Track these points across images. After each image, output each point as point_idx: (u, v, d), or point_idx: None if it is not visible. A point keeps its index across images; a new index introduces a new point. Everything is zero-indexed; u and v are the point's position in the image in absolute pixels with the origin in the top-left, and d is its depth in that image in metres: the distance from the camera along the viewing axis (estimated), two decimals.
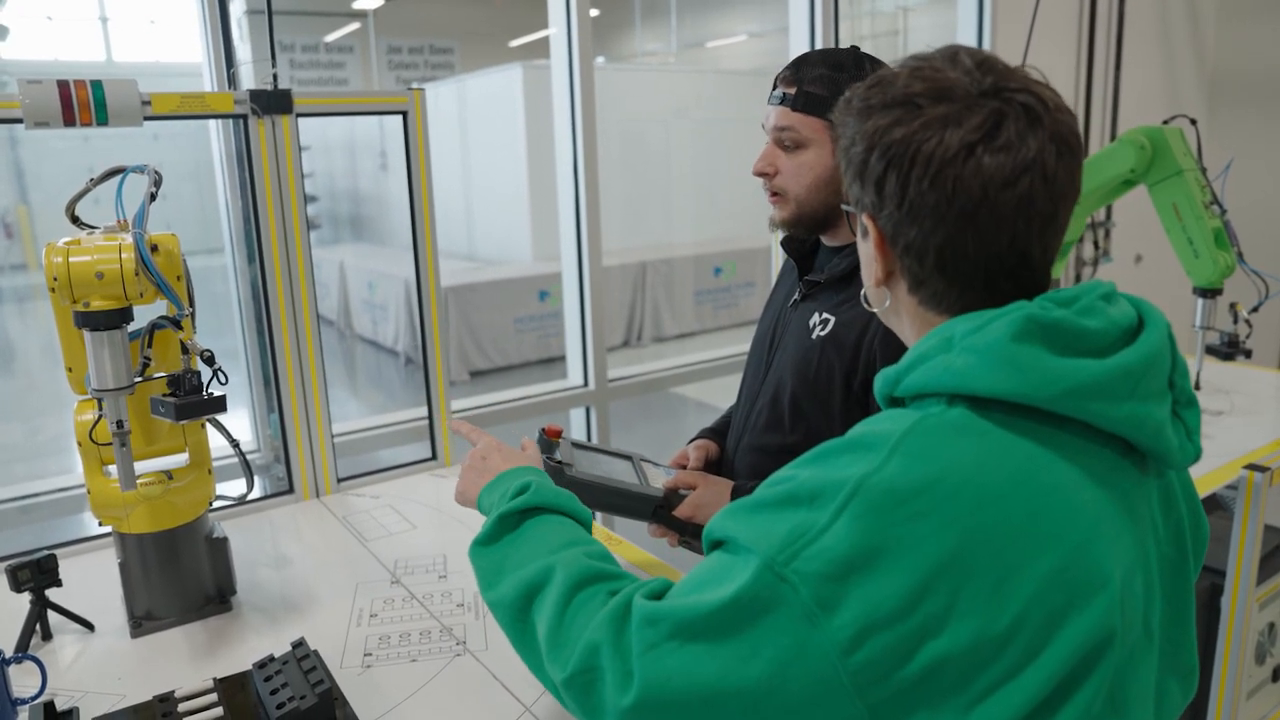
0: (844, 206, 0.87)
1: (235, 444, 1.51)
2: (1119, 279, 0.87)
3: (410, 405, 2.31)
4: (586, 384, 2.78)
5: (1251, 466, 2.11)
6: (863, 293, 0.89)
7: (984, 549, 0.68)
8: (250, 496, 1.63)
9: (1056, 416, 0.73)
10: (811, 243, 1.54)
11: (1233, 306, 2.49)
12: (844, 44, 3.16)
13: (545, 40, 2.74)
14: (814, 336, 1.42)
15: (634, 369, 2.98)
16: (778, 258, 3.06)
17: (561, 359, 2.97)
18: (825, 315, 1.42)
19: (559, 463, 1.38)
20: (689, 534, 1.44)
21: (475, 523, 1.87)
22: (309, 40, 12.40)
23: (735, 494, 1.43)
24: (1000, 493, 0.70)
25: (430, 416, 2.23)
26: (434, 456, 2.24)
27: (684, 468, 1.58)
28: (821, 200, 1.40)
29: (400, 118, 2.03)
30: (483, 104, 10.03)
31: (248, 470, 1.53)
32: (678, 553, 1.79)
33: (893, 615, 0.67)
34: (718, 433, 1.68)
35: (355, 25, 12.54)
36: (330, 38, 12.47)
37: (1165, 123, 2.42)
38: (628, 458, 1.54)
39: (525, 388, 2.74)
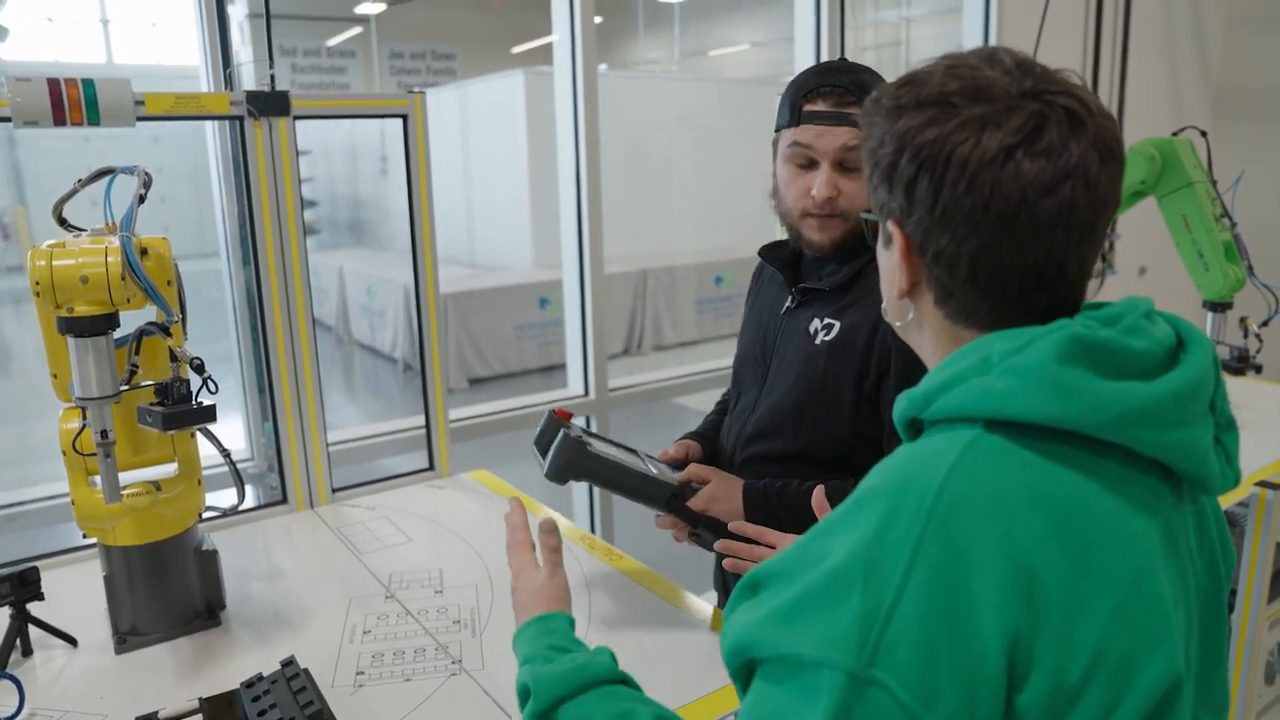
0: (864, 215, 0.83)
1: (226, 454, 1.46)
2: (1123, 291, 0.83)
3: (409, 412, 2.27)
4: (587, 393, 2.75)
5: (1263, 484, 2.08)
6: (883, 305, 0.84)
7: (1047, 590, 0.63)
8: (242, 507, 1.58)
9: (1099, 443, 0.69)
10: (795, 251, 1.53)
11: (1243, 321, 2.46)
12: (849, 55, 3.14)
13: (548, 46, 2.71)
14: (818, 342, 1.42)
15: (635, 378, 2.95)
16: None
17: (562, 367, 2.93)
18: (828, 321, 1.42)
19: (580, 438, 1.37)
20: (701, 526, 1.42)
21: (472, 536, 1.84)
22: (311, 45, 12.40)
23: (746, 493, 1.42)
24: (1052, 528, 0.65)
25: (428, 426, 2.19)
26: (431, 467, 2.19)
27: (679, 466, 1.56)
28: None
29: (400, 122, 1.99)
30: (485, 110, 10.02)
31: (239, 481, 1.48)
32: (669, 560, 1.76)
33: (989, 685, 0.61)
34: (703, 437, 1.67)
35: (357, 30, 12.54)
36: (332, 42, 12.47)
37: (1175, 134, 2.39)
38: (633, 451, 1.52)
39: (524, 397, 2.70)
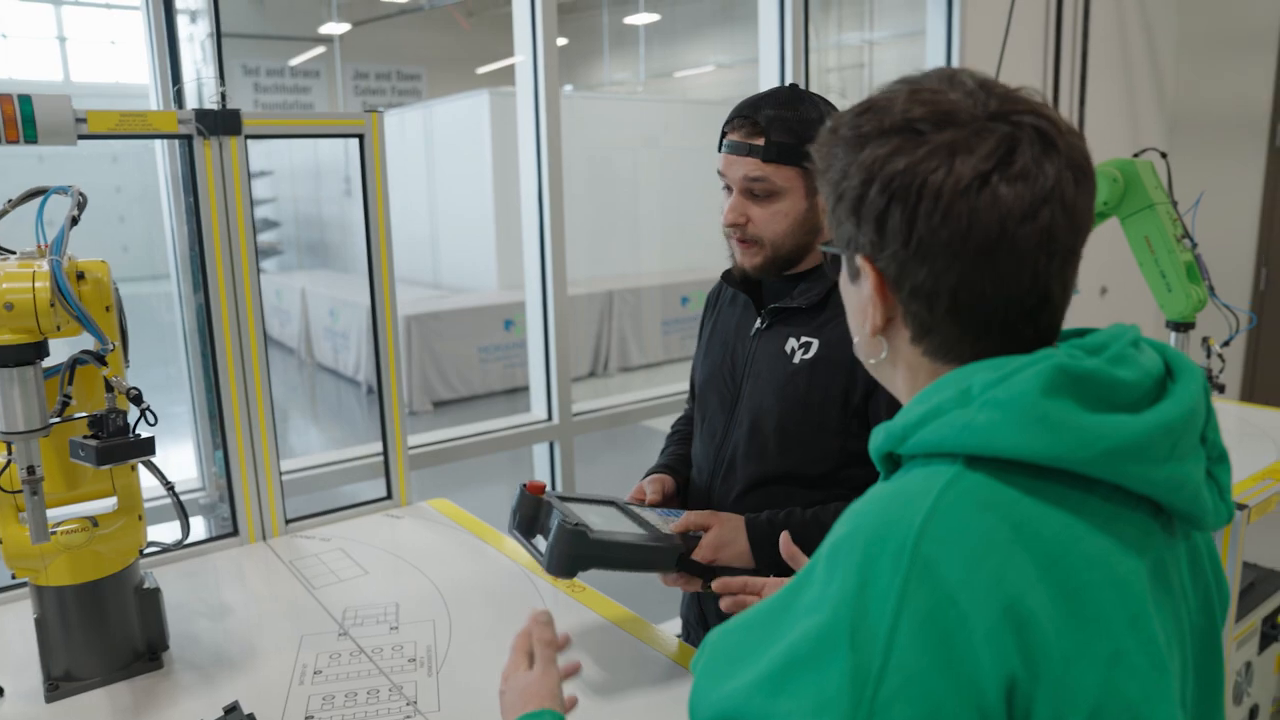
0: (823, 248, 0.79)
1: (169, 486, 1.39)
2: (1085, 312, 0.80)
3: (373, 437, 2.20)
4: (550, 418, 2.69)
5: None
6: (855, 342, 0.80)
7: (1042, 636, 0.59)
8: (189, 540, 1.51)
9: (1085, 479, 0.65)
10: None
11: (1205, 341, 2.47)
12: (812, 78, 3.15)
13: (514, 67, 2.67)
14: (796, 362, 1.40)
15: (600, 402, 2.90)
16: None
17: (527, 389, 2.88)
18: (805, 339, 1.40)
19: (579, 527, 1.26)
20: (712, 577, 1.33)
21: (430, 568, 1.78)
22: (274, 65, 12.30)
23: (750, 530, 1.36)
24: (1042, 571, 0.61)
25: (385, 452, 2.12)
26: (389, 495, 2.13)
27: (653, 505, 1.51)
28: (795, 242, 1.40)
29: (358, 143, 1.94)
30: (450, 130, 9.97)
31: (182, 514, 1.42)
32: (649, 603, 1.71)
33: None
34: (671, 469, 1.63)
35: (320, 49, 12.46)
36: (295, 61, 12.37)
37: (1136, 155, 2.40)
38: (611, 503, 1.44)
39: (486, 423, 2.64)
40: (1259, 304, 4.56)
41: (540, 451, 2.77)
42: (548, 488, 1.39)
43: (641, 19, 12.29)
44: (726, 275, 1.52)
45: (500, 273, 9.33)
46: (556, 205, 2.61)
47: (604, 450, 5.79)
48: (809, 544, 1.28)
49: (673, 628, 1.68)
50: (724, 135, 1.41)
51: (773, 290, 1.49)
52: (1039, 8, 3.78)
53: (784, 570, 1.29)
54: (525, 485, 1.37)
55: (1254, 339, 4.62)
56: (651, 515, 1.42)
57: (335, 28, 12.10)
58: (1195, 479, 0.68)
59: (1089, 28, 3.96)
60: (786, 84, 1.48)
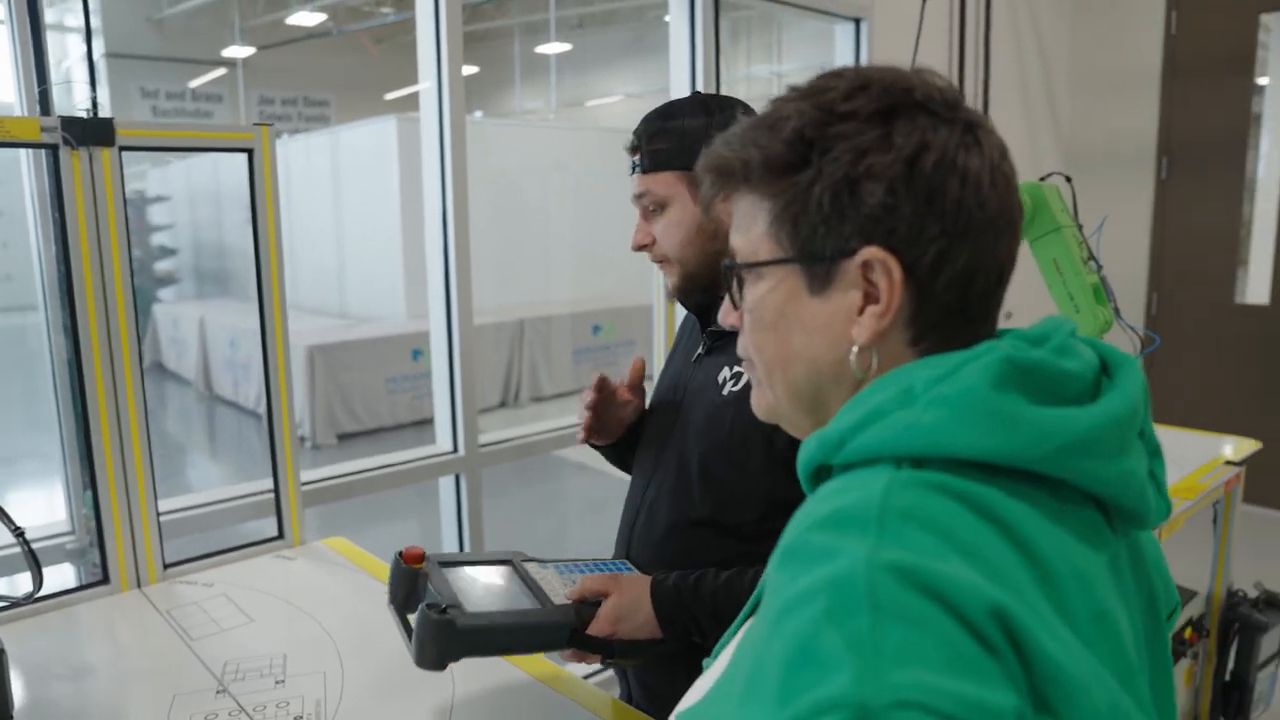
0: (729, 265, 0.72)
1: (19, 533, 1.25)
2: None
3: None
4: (456, 449, 2.57)
5: None
6: (808, 369, 0.70)
7: (1025, 617, 0.52)
8: (45, 592, 1.36)
9: (1034, 478, 0.60)
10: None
11: None
12: None
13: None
14: (725, 392, 1.27)
15: (509, 432, 2.79)
16: (662, 315, 2.95)
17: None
18: (737, 369, 1.27)
19: (444, 611, 1.08)
20: (615, 655, 1.20)
21: (323, 614, 1.64)
22: (174, 88, 11.91)
23: (656, 596, 1.21)
24: (1013, 551, 0.56)
25: (276, 488, 1.98)
26: (280, 535, 1.98)
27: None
28: (698, 253, 1.30)
29: (246, 158, 1.82)
30: (357, 157, 9.74)
31: (34, 564, 1.27)
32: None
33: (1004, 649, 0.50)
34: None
35: (221, 71, 12.10)
36: (195, 83, 12.00)
37: (1042, 179, 2.43)
38: (505, 562, 1.29)
39: (387, 455, 2.50)
40: (1151, 326, 4.74)
41: (446, 485, 2.64)
42: (427, 553, 1.21)
43: (553, 48, 12.30)
44: (670, 296, 1.41)
45: (408, 301, 9.12)
46: (462, 233, 2.51)
47: (514, 483, 5.65)
48: (718, 615, 1.17)
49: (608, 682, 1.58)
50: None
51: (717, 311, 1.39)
52: (943, 40, 3.88)
53: (693, 642, 1.18)
54: (400, 554, 1.20)
55: (1147, 361, 4.80)
56: (551, 577, 1.26)
57: (239, 51, 11.78)
58: (1141, 474, 0.64)
59: (990, 65, 4.08)
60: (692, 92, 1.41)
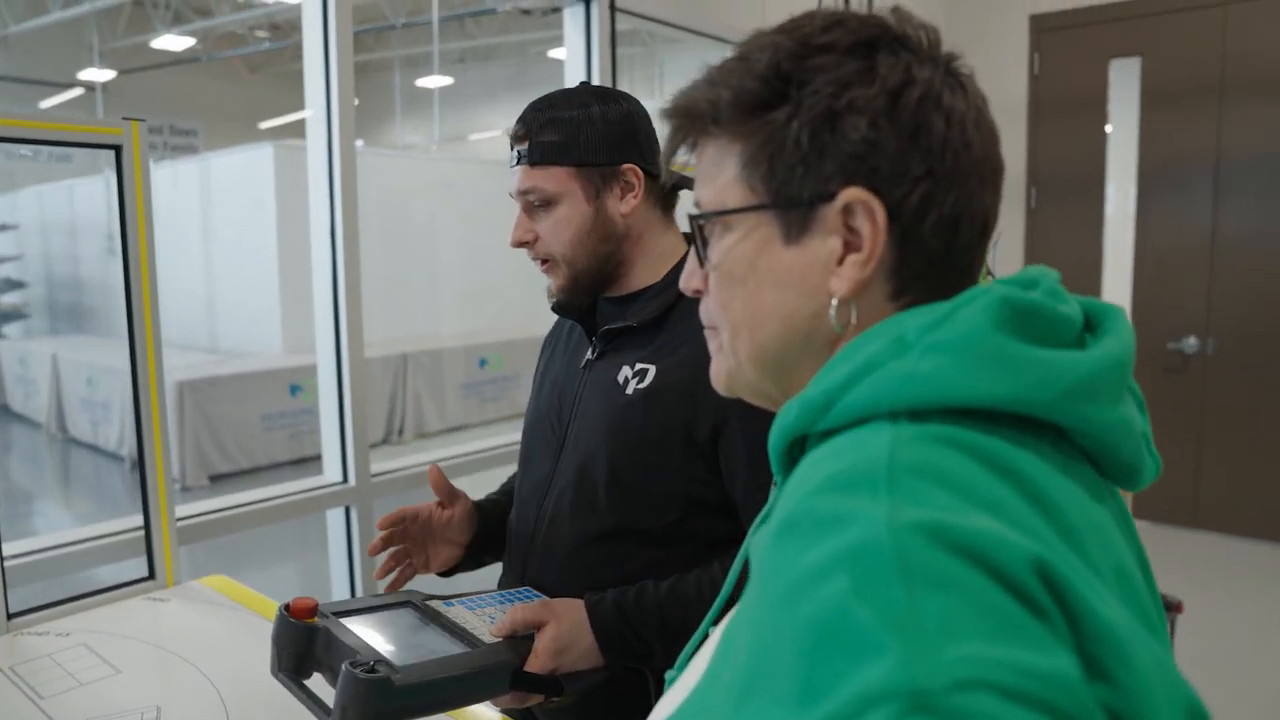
0: (699, 216, 0.66)
1: None
2: None
3: (137, 512, 1.86)
4: (346, 479, 2.42)
5: None
6: (770, 333, 0.65)
7: (1061, 568, 0.47)
8: None
9: (1036, 427, 0.55)
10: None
11: None
12: None
13: (299, 123, 2.46)
14: (629, 392, 1.21)
15: (402, 460, 2.65)
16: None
17: (316, 458, 2.59)
18: (641, 366, 1.22)
19: (372, 669, 0.94)
20: (560, 690, 1.09)
21: (203, 660, 1.47)
22: (23, 109, 11.18)
23: (594, 613, 1.13)
24: (1031, 505, 0.50)
25: (147, 524, 1.80)
26: (151, 575, 1.80)
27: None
28: (590, 253, 1.25)
29: (114, 159, 1.67)
30: (229, 184, 9.32)
31: None
32: None
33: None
34: (481, 509, 1.42)
35: (78, 92, 11.46)
36: (46, 104, 11.32)
37: None
38: (404, 604, 1.16)
39: (272, 487, 2.33)
40: None
41: (335, 518, 2.48)
42: (320, 603, 1.06)
43: (435, 81, 12.17)
44: (555, 305, 1.35)
45: (285, 335, 8.74)
46: (352, 264, 2.39)
47: None
48: (667, 628, 1.10)
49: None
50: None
51: (605, 314, 1.33)
52: None
53: (627, 668, 1.11)
54: (287, 607, 1.05)
55: None
56: (465, 614, 1.15)
57: (98, 74, 11.18)
58: (1139, 425, 0.61)
59: None
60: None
